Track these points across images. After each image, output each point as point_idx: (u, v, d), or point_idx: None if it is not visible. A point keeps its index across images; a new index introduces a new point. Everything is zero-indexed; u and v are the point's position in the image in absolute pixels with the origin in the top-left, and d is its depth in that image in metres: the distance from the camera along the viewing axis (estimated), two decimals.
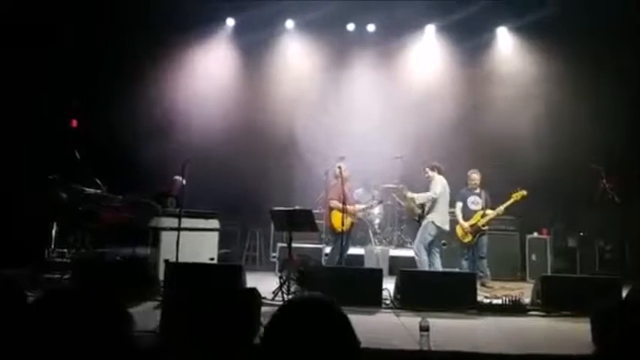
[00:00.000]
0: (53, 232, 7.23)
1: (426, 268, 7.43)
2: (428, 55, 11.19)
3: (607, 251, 9.02)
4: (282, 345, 1.27)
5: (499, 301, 6.02)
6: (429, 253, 7.66)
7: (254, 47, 11.02)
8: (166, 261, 6.09)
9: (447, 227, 7.77)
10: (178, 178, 7.93)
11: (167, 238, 6.61)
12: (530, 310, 5.89)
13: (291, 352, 1.24)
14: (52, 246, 7.22)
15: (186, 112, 10.08)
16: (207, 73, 10.88)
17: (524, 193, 7.94)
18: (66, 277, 6.24)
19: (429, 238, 7.65)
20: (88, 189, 6.96)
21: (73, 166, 7.20)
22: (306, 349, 1.24)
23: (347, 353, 1.27)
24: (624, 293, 5.53)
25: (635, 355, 1.65)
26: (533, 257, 9.14)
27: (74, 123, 9.21)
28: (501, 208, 8.00)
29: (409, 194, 8.00)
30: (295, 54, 11.20)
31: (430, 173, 7.91)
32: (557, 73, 10.01)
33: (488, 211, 8.08)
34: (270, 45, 11.15)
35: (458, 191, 8.17)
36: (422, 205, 7.93)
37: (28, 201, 7.18)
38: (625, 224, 8.49)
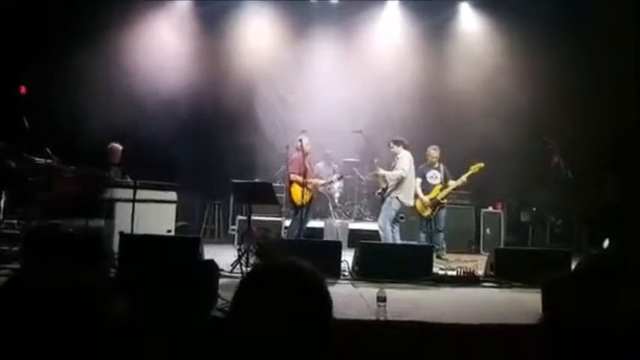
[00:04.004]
0: (2, 202, 6.96)
1: (390, 241, 7.54)
2: (390, 29, 11.13)
3: (557, 226, 9.33)
4: (251, 316, 1.21)
5: (454, 273, 6.18)
6: (392, 227, 7.76)
7: (213, 16, 10.71)
8: (121, 233, 5.96)
9: (410, 203, 7.85)
10: (115, 145, 7.79)
11: (122, 210, 6.46)
12: (483, 282, 6.05)
13: (261, 321, 1.19)
14: (1, 217, 6.96)
15: (143, 82, 9.76)
16: (165, 42, 10.53)
17: (482, 165, 8.10)
18: (15, 249, 6.03)
19: (393, 213, 7.72)
20: (38, 159, 6.70)
21: (22, 134, 6.90)
22: (277, 318, 1.18)
23: (319, 318, 1.24)
24: (573, 265, 5.73)
25: (582, 323, 1.70)
26: (488, 231, 9.38)
27: (23, 89, 8.80)
28: (460, 179, 8.15)
29: (381, 171, 8.00)
30: (256, 25, 10.91)
31: (395, 149, 7.91)
32: (517, 49, 10.15)
33: (449, 183, 8.21)
34: (230, 15, 10.85)
35: (417, 167, 8.21)
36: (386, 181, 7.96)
37: None
38: (575, 200, 8.80)
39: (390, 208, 7.73)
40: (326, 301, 1.28)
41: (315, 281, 1.30)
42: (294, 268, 1.30)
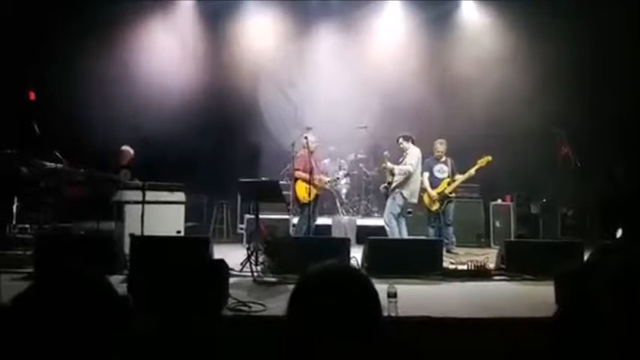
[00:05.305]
0: (14, 207, 7.03)
1: (397, 237, 7.52)
2: (392, 23, 11.11)
3: (569, 217, 9.26)
4: (309, 314, 1.24)
5: (464, 267, 6.14)
6: (397, 222, 7.75)
7: (216, 16, 10.74)
8: (132, 235, 5.99)
9: (414, 200, 7.84)
10: (126, 148, 7.88)
11: (132, 212, 6.50)
12: (494, 275, 6.01)
13: (317, 320, 1.21)
14: (14, 222, 7.03)
15: (149, 83, 9.79)
16: (169, 41, 10.57)
17: (489, 158, 8.06)
18: (28, 253, 6.09)
19: (398, 209, 7.72)
20: (48, 163, 6.76)
21: (32, 139, 6.96)
22: (332, 319, 1.21)
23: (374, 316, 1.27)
24: (586, 256, 5.69)
25: (595, 315, 1.69)
26: (497, 224, 9.33)
27: (32, 95, 8.86)
28: (468, 173, 8.12)
29: (389, 165, 7.98)
30: (259, 23, 10.93)
31: (405, 144, 7.91)
32: (521, 38, 10.09)
33: (456, 177, 8.19)
34: (233, 14, 10.87)
35: (424, 160, 8.19)
36: (393, 175, 7.93)
37: None
38: (586, 190, 8.73)
39: (394, 203, 7.74)
40: (377, 298, 1.30)
41: (367, 281, 1.32)
42: (348, 269, 1.32)
